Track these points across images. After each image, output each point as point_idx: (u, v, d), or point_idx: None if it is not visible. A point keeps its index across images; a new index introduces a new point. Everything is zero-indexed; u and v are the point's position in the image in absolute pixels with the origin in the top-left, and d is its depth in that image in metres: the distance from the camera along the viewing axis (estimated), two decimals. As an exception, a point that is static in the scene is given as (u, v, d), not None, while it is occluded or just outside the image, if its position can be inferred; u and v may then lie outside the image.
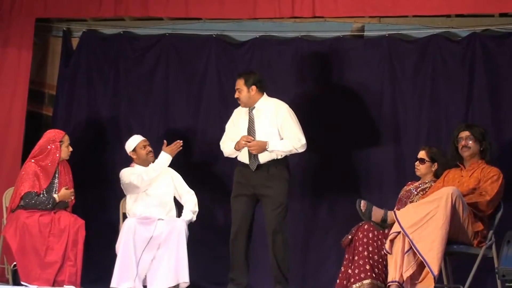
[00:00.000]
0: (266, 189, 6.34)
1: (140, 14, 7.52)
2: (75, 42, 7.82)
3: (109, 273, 6.59)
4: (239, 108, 6.60)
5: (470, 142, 5.93)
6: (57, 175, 6.72)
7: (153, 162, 6.82)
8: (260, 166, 6.36)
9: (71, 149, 6.72)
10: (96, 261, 7.02)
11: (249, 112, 6.48)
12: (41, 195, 6.56)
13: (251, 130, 6.43)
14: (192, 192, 6.85)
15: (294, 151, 6.39)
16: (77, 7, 7.53)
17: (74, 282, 6.45)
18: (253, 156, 6.36)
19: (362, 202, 5.69)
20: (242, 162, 6.46)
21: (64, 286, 6.40)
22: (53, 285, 6.41)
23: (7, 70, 7.56)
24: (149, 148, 6.84)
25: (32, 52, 7.60)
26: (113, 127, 7.68)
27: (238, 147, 6.40)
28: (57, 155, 6.65)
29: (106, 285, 6.47)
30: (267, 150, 6.30)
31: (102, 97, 7.72)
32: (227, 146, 6.55)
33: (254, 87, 6.44)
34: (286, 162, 6.44)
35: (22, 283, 6.37)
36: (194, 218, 6.77)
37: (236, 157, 6.54)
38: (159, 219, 6.61)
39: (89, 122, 7.69)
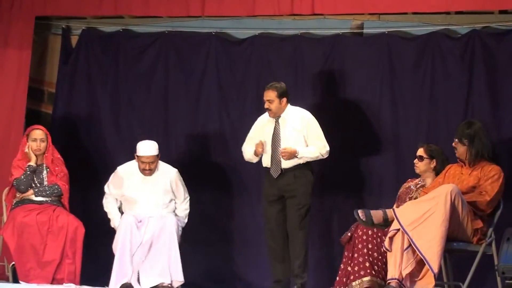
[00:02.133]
0: (291, 191, 6.50)
1: (141, 13, 7.52)
2: (74, 40, 7.82)
3: (109, 270, 6.60)
4: (263, 116, 6.71)
5: (458, 145, 5.89)
6: (44, 166, 6.76)
7: (149, 176, 6.75)
8: (284, 172, 6.50)
9: (38, 144, 6.77)
10: (95, 259, 7.02)
11: (274, 121, 6.60)
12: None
13: (276, 138, 6.56)
14: (187, 202, 6.84)
15: (320, 157, 6.57)
16: (77, 6, 7.53)
17: (73, 280, 6.46)
18: (275, 162, 6.52)
19: (360, 212, 5.66)
20: (267, 169, 6.60)
21: (64, 284, 6.42)
22: (52, 283, 6.42)
23: (7, 68, 7.57)
24: (149, 167, 6.68)
25: (31, 50, 7.60)
26: (112, 125, 7.67)
27: (256, 154, 6.60)
28: (26, 146, 6.79)
29: (105, 282, 6.48)
30: (296, 157, 6.47)
31: (102, 95, 7.71)
32: (248, 151, 6.71)
33: (285, 99, 6.61)
34: (310, 166, 6.60)
35: (20, 282, 6.39)
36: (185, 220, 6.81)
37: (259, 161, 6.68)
38: (149, 217, 6.60)
39: (89, 120, 7.69)
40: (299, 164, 6.52)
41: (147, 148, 6.72)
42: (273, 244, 6.59)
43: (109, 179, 6.85)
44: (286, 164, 6.50)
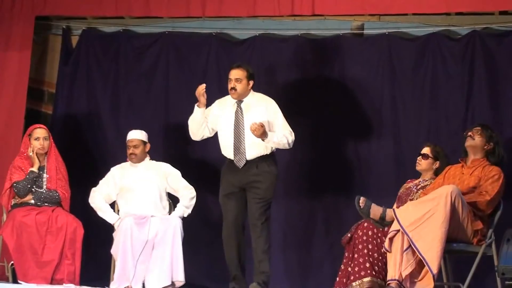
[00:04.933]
0: (254, 183, 6.28)
1: (141, 14, 7.52)
2: (74, 40, 7.82)
3: (109, 271, 6.61)
4: (223, 99, 6.54)
5: (477, 136, 5.91)
6: (45, 169, 6.73)
7: (136, 163, 6.84)
8: (248, 163, 6.30)
9: (41, 143, 6.71)
10: (95, 259, 7.02)
11: (236, 105, 6.41)
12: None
13: (239, 123, 6.35)
14: (191, 187, 6.81)
15: (287, 146, 6.33)
16: (77, 6, 7.53)
17: (73, 280, 6.45)
18: (240, 152, 6.30)
19: (361, 199, 5.70)
20: (229, 159, 6.40)
21: (63, 284, 6.41)
22: (51, 283, 6.41)
23: (7, 68, 7.56)
24: (133, 151, 6.81)
25: (31, 50, 7.60)
26: (113, 125, 7.67)
27: (200, 102, 6.37)
28: (29, 148, 6.71)
29: (105, 283, 6.48)
30: (262, 139, 6.18)
31: (102, 95, 7.72)
32: (191, 118, 6.48)
33: (252, 82, 6.42)
34: (274, 158, 6.40)
35: (20, 281, 6.38)
36: (186, 214, 6.72)
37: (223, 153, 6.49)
38: (152, 216, 6.58)
39: (89, 120, 7.69)
40: (264, 155, 6.30)
41: (133, 132, 6.90)
42: (230, 240, 6.36)
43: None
44: (250, 154, 6.28)
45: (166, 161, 6.98)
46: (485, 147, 5.92)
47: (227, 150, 6.40)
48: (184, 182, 6.83)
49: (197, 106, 6.45)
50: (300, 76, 7.43)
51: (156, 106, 7.64)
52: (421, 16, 7.29)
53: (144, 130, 7.10)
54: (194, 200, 6.78)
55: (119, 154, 7.35)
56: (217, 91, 7.52)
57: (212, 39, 7.61)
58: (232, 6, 7.31)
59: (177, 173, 6.87)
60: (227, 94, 7.44)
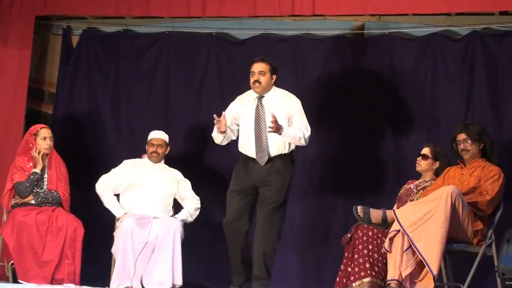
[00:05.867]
0: (267, 182, 6.12)
1: (141, 13, 7.53)
2: (75, 40, 7.83)
3: (109, 271, 6.61)
4: (244, 95, 6.42)
5: (468, 145, 5.91)
6: (46, 169, 6.72)
7: (155, 163, 6.85)
8: (269, 160, 6.13)
9: (48, 142, 6.70)
10: (95, 259, 7.02)
11: (257, 101, 6.26)
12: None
13: (260, 122, 6.18)
14: (197, 198, 6.84)
15: (303, 141, 6.15)
16: (78, 6, 7.54)
17: (73, 280, 6.45)
18: (262, 149, 6.13)
19: (359, 208, 5.64)
20: (247, 156, 6.22)
21: (64, 284, 6.41)
22: (51, 283, 6.41)
23: (7, 68, 7.57)
24: (156, 150, 6.84)
25: (31, 50, 7.60)
26: (113, 125, 7.68)
27: (220, 130, 6.14)
28: (34, 147, 6.68)
29: (106, 282, 6.48)
30: (279, 134, 6.01)
31: (102, 95, 7.72)
32: (214, 131, 6.31)
33: (275, 76, 6.29)
34: (292, 157, 6.25)
35: (20, 281, 6.39)
36: (189, 220, 6.73)
37: (240, 150, 6.35)
38: (154, 217, 6.58)
39: (89, 120, 7.69)
40: (282, 154, 6.13)
41: (158, 132, 6.93)
42: (232, 239, 6.17)
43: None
44: (272, 151, 6.11)
45: (166, 161, 6.98)
46: (480, 147, 5.92)
47: (246, 147, 6.20)
48: (192, 192, 6.86)
49: (217, 131, 6.27)
50: (300, 76, 7.43)
51: (156, 105, 7.64)
52: (421, 16, 7.29)
53: (144, 130, 7.11)
54: (198, 211, 6.81)
55: (120, 154, 7.37)
56: (217, 91, 7.54)
57: (212, 39, 7.61)
58: (232, 6, 7.31)
59: (188, 182, 6.89)
60: (227, 94, 7.48)
